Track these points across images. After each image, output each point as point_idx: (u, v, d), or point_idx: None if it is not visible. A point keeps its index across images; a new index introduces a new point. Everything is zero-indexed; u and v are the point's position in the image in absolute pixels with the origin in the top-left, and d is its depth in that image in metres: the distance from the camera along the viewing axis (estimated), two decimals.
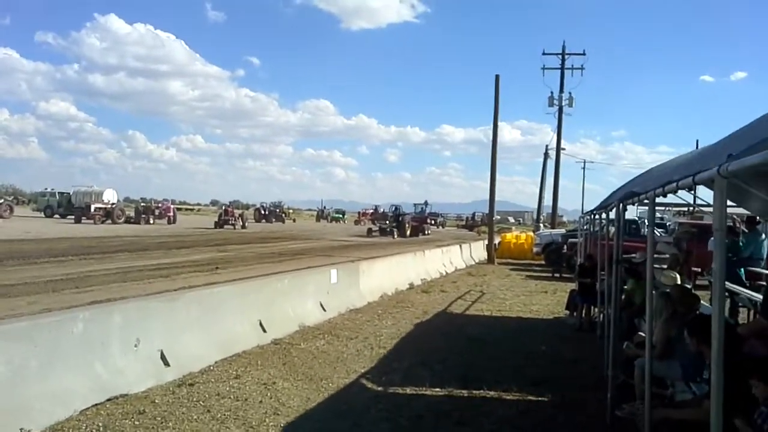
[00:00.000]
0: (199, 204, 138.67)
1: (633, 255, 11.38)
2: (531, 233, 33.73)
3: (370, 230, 48.94)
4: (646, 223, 13.01)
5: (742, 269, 11.12)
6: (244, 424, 5.75)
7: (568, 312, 12.43)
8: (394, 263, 17.10)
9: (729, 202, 9.32)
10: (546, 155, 42.93)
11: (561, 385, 7.51)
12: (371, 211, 78.02)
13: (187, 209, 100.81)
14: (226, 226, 49.19)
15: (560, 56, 39.86)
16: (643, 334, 6.53)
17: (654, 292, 7.21)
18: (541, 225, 41.02)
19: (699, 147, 10.48)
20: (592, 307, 11.51)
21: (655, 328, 6.27)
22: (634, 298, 8.93)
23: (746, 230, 11.82)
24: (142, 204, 64.06)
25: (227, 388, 6.72)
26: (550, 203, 42.70)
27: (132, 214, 54.52)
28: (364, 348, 9.10)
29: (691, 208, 14.95)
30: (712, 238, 3.88)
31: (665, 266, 10.74)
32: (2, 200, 53.24)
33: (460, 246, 26.07)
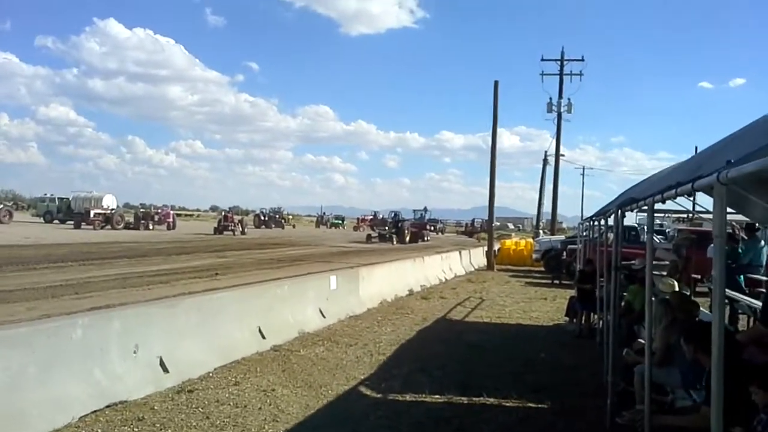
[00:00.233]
0: (198, 210, 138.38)
1: (632, 262, 11.39)
2: (530, 240, 33.74)
3: (369, 236, 48.92)
4: (646, 230, 13.03)
5: (742, 276, 11.13)
6: (243, 431, 5.73)
7: (567, 319, 12.42)
8: (394, 270, 17.09)
9: (728, 209, 9.37)
10: (545, 161, 42.99)
11: (561, 392, 7.50)
12: (370, 217, 78.04)
13: (186, 215, 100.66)
14: (225, 232, 49.14)
15: (559, 62, 39.95)
16: (643, 341, 6.52)
17: (654, 298, 7.22)
18: (541, 231, 40.98)
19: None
20: (592, 314, 11.50)
21: (655, 334, 6.28)
22: (633, 305, 8.93)
23: (745, 237, 11.84)
24: (142, 210, 64.16)
25: (226, 395, 6.70)
26: (550, 209, 42.71)
27: (131, 219, 54.47)
28: (363, 355, 9.09)
29: (691, 215, 14.97)
30: (712, 245, 3.88)
31: (665, 273, 10.75)
32: (2, 205, 53.16)
33: (460, 252, 26.07)
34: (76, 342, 6.00)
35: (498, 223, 65.79)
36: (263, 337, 8.96)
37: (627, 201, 5.99)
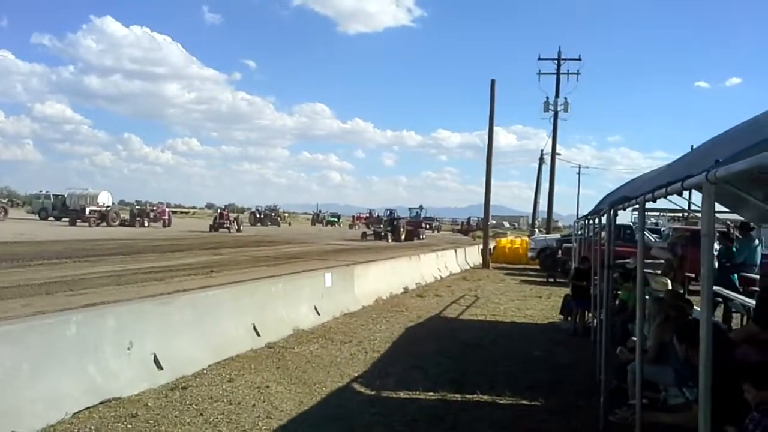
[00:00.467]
0: (194, 207, 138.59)
1: (627, 260, 11.43)
2: (526, 238, 33.79)
3: (364, 234, 48.91)
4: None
5: (736, 275, 11.18)
6: (237, 428, 5.74)
7: (562, 317, 12.45)
8: (389, 267, 17.11)
9: (723, 208, 9.40)
10: (541, 160, 43.02)
11: (554, 389, 7.52)
12: (366, 215, 78.05)
13: (182, 212, 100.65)
14: (221, 230, 49.16)
15: (556, 61, 39.98)
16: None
17: (648, 296, 7.26)
18: (536, 230, 41.04)
19: None
20: (587, 312, 11.53)
21: (649, 332, 6.31)
22: (628, 304, 8.97)
23: (740, 236, 11.88)
24: (137, 207, 64.08)
25: (220, 392, 6.71)
26: (546, 208, 42.76)
27: (127, 216, 54.35)
28: (358, 352, 9.10)
29: (686, 214, 15.02)
30: None
31: (659, 271, 10.78)
32: None
33: (455, 250, 26.10)
34: (70, 339, 6.00)
35: (494, 222, 65.90)
36: (258, 335, 8.96)
37: (619, 199, 6.01)
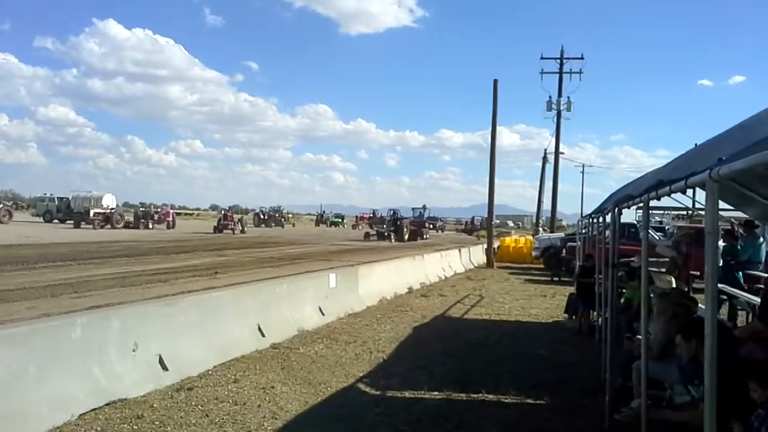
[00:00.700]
0: (198, 209, 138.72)
1: (631, 259, 11.40)
2: (530, 237, 33.76)
3: (367, 234, 48.89)
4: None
5: (741, 273, 11.14)
6: (242, 428, 5.75)
7: (566, 316, 12.43)
8: (393, 267, 17.10)
9: (727, 206, 9.37)
10: (545, 159, 43.02)
11: (559, 388, 7.52)
12: (369, 215, 78.06)
13: (186, 214, 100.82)
14: (225, 231, 49.22)
15: (559, 60, 39.97)
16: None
17: (655, 293, 7.25)
18: (540, 229, 41.02)
19: None
20: (591, 311, 11.51)
21: (656, 328, 6.30)
22: (633, 302, 8.95)
23: (744, 234, 11.84)
24: (141, 209, 64.24)
25: (226, 393, 6.72)
26: (550, 207, 42.74)
27: (131, 218, 54.55)
28: (362, 352, 9.10)
29: (691, 212, 14.99)
30: None
31: (663, 270, 10.75)
32: (1, 205, 53.28)
33: (459, 250, 26.08)
34: (75, 341, 6.02)
35: (498, 221, 65.82)
36: (262, 335, 8.97)
37: (623, 198, 6.00)
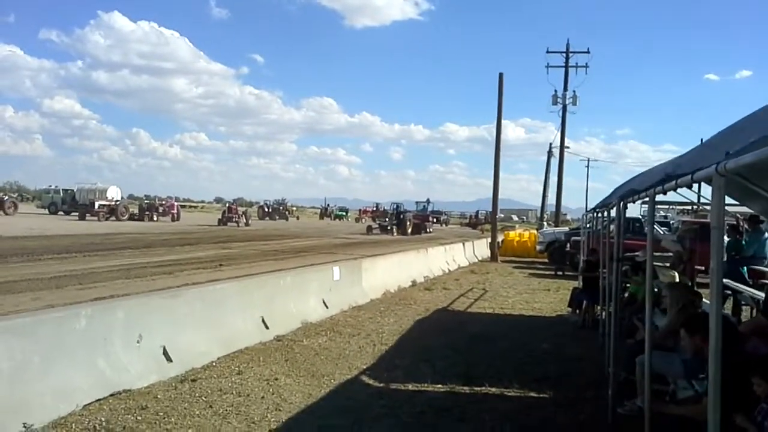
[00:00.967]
0: (203, 201, 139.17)
1: (636, 253, 11.38)
2: (534, 231, 33.70)
3: (369, 228, 48.89)
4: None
5: (745, 268, 11.12)
6: (245, 420, 5.77)
7: (570, 310, 12.42)
8: (397, 261, 17.12)
9: (733, 201, 9.35)
10: (550, 153, 42.86)
11: (562, 382, 7.52)
12: (372, 209, 78.05)
13: (191, 206, 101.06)
14: (229, 224, 49.30)
15: (564, 54, 39.75)
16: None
17: (665, 284, 7.24)
18: (545, 223, 40.92)
19: None
20: (595, 305, 11.50)
21: (667, 319, 6.30)
22: (637, 296, 8.94)
23: (749, 229, 11.81)
24: (146, 201, 64.46)
25: (229, 384, 6.74)
26: (554, 201, 42.62)
27: (136, 211, 54.74)
28: (366, 345, 9.12)
29: (696, 207, 14.94)
30: None
31: (668, 264, 10.74)
32: (7, 197, 53.51)
33: (463, 244, 26.06)
34: (79, 332, 6.04)
35: (502, 215, 65.77)
36: (266, 327, 8.99)
37: (628, 192, 5.98)
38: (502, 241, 30.48)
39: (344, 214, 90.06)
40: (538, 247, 26.89)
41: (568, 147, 40.72)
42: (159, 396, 6.18)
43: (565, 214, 60.03)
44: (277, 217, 71.04)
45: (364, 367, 7.89)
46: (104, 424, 5.38)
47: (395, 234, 44.67)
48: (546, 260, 24.75)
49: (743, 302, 10.11)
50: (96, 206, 49.35)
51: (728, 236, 11.41)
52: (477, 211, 77.07)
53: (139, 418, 5.60)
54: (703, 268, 13.24)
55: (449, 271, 20.82)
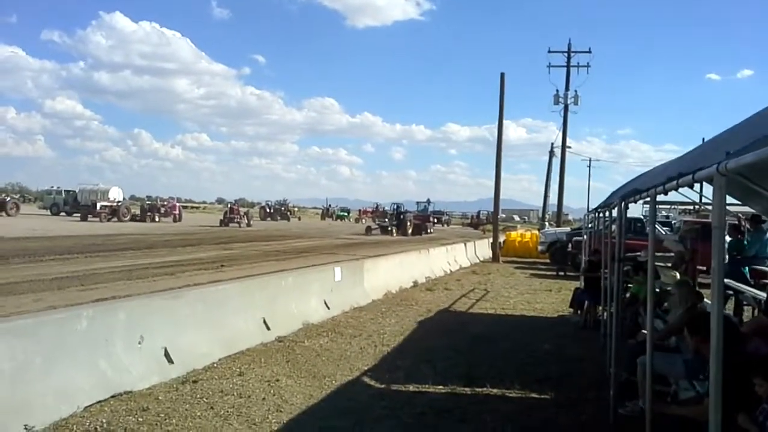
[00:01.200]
0: (204, 202, 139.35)
1: (638, 253, 11.37)
2: (536, 232, 33.67)
3: (369, 228, 48.78)
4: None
5: (747, 268, 11.09)
6: (247, 421, 5.77)
7: (572, 310, 12.41)
8: (399, 262, 17.10)
9: (734, 201, 9.33)
10: (551, 153, 42.95)
11: (564, 383, 7.51)
12: (372, 209, 78.02)
13: (192, 207, 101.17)
14: (231, 224, 49.28)
15: (566, 54, 39.73)
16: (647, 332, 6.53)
17: (672, 283, 7.23)
18: (547, 223, 40.87)
19: None
20: (597, 305, 11.48)
21: (675, 316, 6.29)
22: (639, 296, 8.93)
23: (751, 229, 11.78)
24: (148, 202, 64.48)
25: (231, 386, 6.74)
26: (556, 201, 42.58)
27: (138, 212, 54.76)
28: (367, 346, 9.11)
29: (697, 207, 14.93)
30: None
31: (670, 264, 10.72)
32: (9, 198, 53.56)
33: (465, 244, 26.05)
34: (81, 333, 6.04)
35: (504, 215, 65.78)
36: (268, 329, 8.99)
37: (630, 192, 5.97)
38: (504, 241, 30.46)
39: (346, 214, 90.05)
40: (539, 248, 26.86)
41: (569, 147, 40.78)
42: (160, 397, 6.18)
43: (567, 214, 59.99)
44: (278, 218, 71.01)
45: (366, 368, 7.88)
46: (105, 425, 5.38)
47: (395, 235, 44.62)
48: (547, 261, 24.73)
49: (745, 302, 10.08)
50: (98, 207, 49.40)
51: (730, 236, 11.38)
52: (478, 212, 77.00)
53: (141, 419, 5.60)
54: (704, 268, 13.21)
55: (451, 271, 20.81)
